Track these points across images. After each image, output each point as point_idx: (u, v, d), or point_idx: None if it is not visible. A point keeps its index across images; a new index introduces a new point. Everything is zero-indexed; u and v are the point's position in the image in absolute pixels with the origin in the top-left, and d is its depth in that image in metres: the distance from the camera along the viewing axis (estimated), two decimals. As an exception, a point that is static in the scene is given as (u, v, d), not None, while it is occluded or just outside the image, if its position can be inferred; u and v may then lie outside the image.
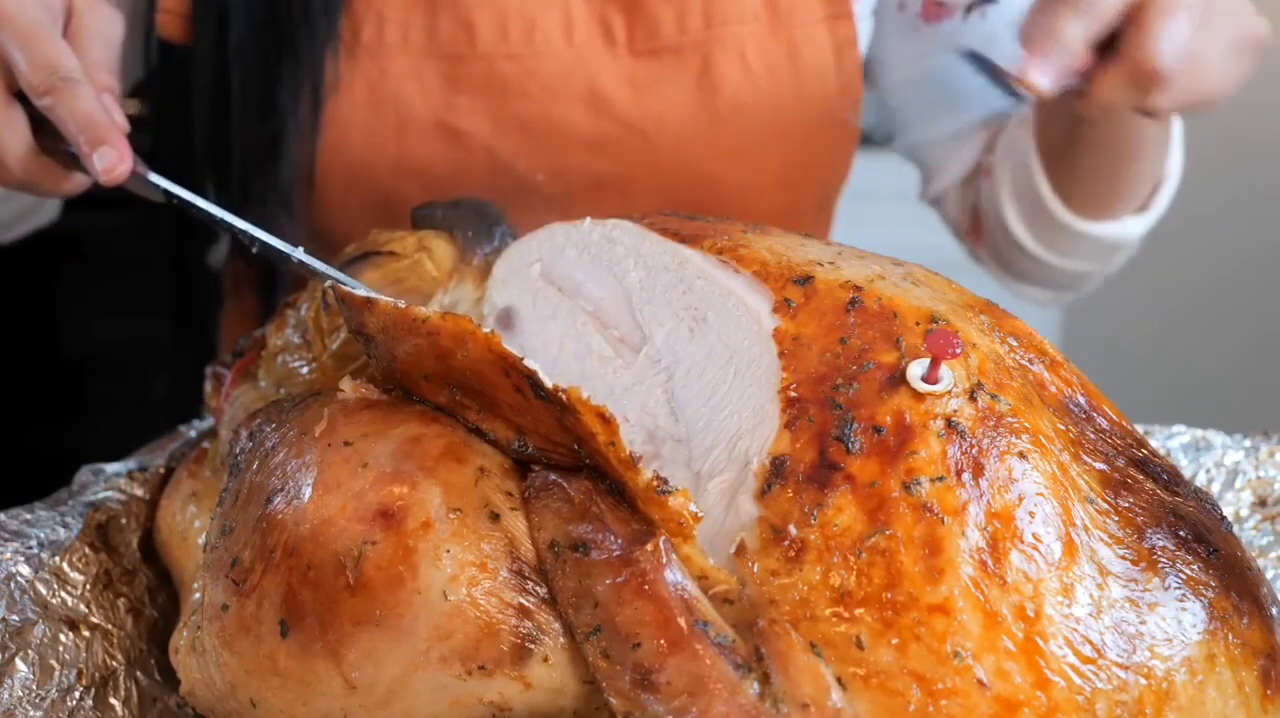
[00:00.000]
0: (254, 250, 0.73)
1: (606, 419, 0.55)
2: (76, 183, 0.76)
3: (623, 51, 0.98)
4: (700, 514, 0.56)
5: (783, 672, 0.52)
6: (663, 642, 0.53)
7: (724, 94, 0.98)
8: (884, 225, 2.33)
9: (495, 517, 0.57)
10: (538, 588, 0.56)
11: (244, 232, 0.72)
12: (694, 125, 0.98)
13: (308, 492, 0.57)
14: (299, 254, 0.71)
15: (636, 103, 0.98)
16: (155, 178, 0.73)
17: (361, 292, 0.69)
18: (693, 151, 0.98)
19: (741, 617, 0.54)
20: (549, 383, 0.56)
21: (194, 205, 0.73)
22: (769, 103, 0.99)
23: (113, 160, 0.69)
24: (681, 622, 0.53)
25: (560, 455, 0.58)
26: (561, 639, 0.56)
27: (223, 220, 0.72)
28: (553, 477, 0.58)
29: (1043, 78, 0.67)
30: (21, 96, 0.71)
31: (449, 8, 0.97)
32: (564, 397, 0.56)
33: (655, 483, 0.55)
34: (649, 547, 0.54)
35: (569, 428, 0.56)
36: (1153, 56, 0.67)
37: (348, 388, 0.62)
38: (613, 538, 0.55)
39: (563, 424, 0.57)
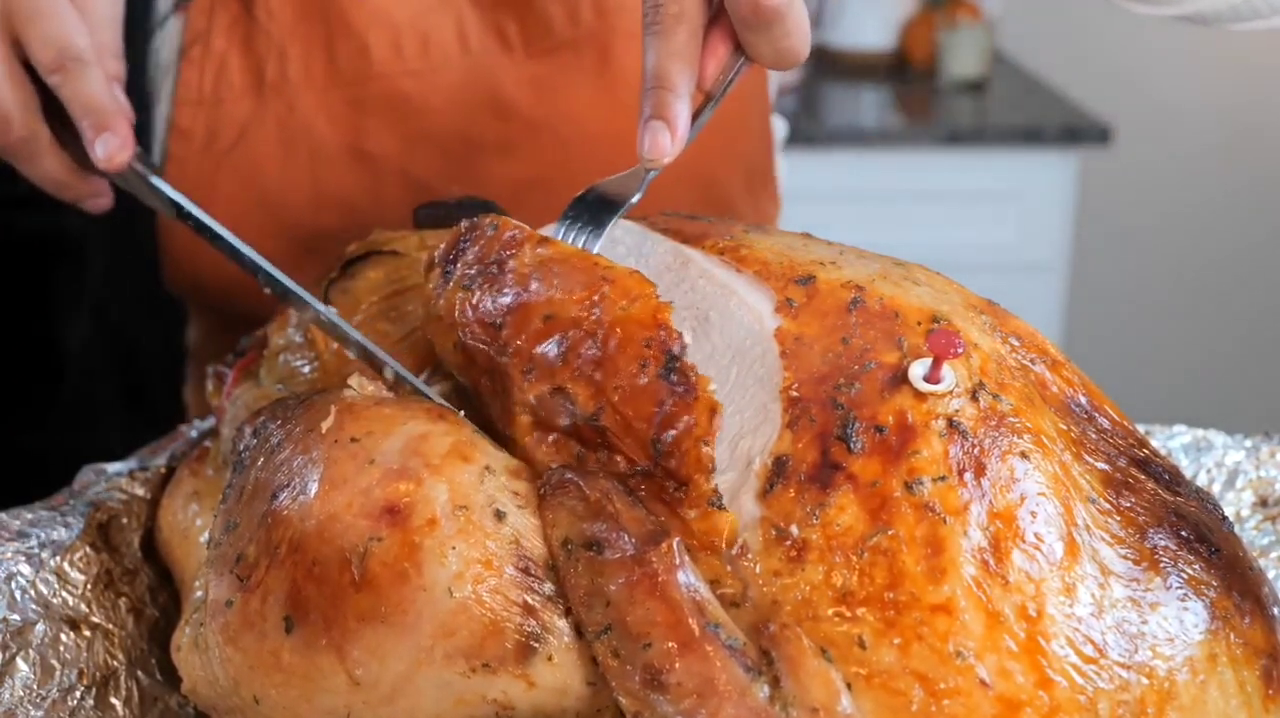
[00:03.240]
0: (262, 285, 0.71)
1: (713, 417, 0.56)
2: (94, 187, 0.75)
3: (520, 54, 0.96)
4: (738, 542, 0.55)
5: (793, 676, 0.52)
6: (673, 643, 0.53)
7: (625, 82, 0.96)
8: (884, 225, 2.34)
9: (501, 515, 0.57)
10: (543, 587, 0.56)
11: (253, 263, 0.70)
12: (600, 118, 0.97)
13: (313, 488, 0.57)
14: (306, 295, 0.70)
15: (541, 103, 0.96)
16: (157, 181, 0.72)
17: (322, 309, 0.69)
18: (604, 145, 0.96)
19: (749, 620, 0.54)
20: (690, 362, 0.57)
21: (199, 222, 0.71)
22: None
23: (114, 147, 0.68)
24: (693, 623, 0.53)
25: (622, 442, 0.58)
26: (566, 639, 0.56)
27: (233, 248, 0.71)
28: (569, 474, 0.58)
29: None
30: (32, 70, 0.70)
31: (344, 34, 0.95)
32: (694, 378, 0.56)
33: (713, 494, 0.56)
34: (662, 547, 0.54)
35: (666, 415, 0.56)
36: None
37: (355, 384, 0.62)
38: (626, 538, 0.55)
39: (661, 410, 0.57)
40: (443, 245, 0.65)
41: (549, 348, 0.60)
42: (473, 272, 0.63)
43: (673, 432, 0.56)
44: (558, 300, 0.60)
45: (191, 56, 0.94)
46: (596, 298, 0.60)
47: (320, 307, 0.70)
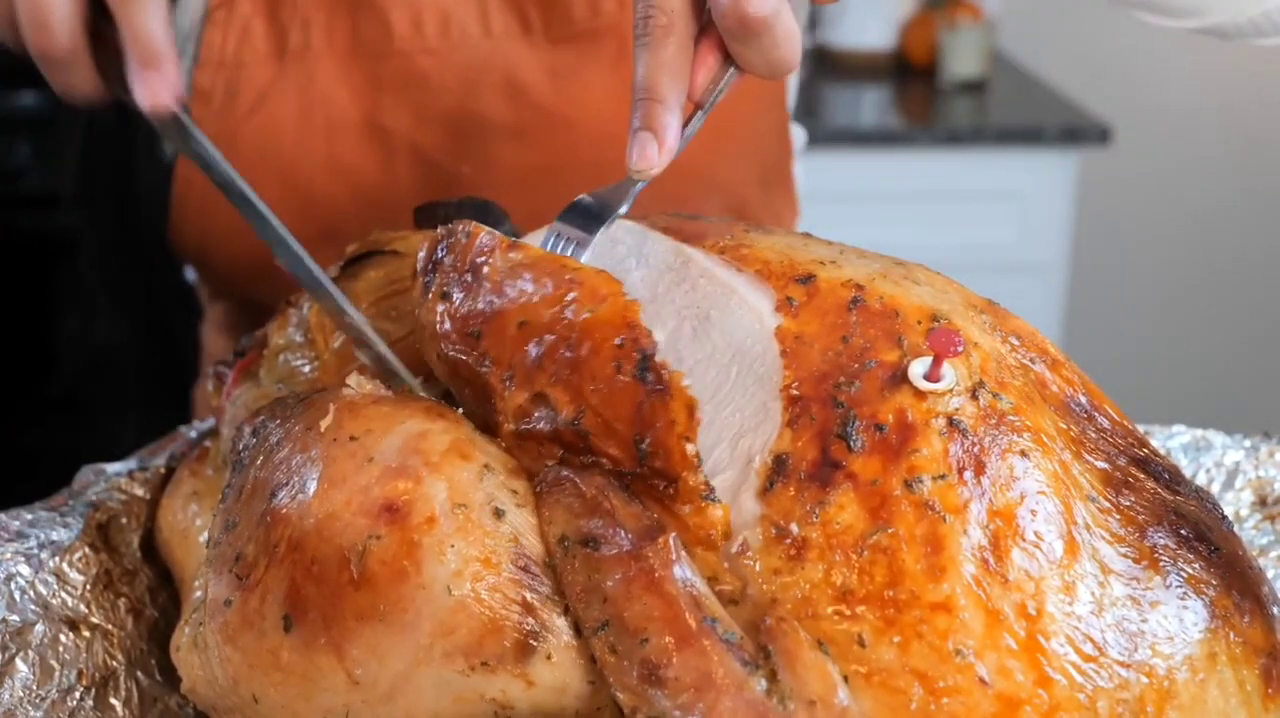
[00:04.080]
0: (276, 258, 0.68)
1: (692, 413, 0.56)
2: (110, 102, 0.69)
3: (540, 40, 0.97)
4: (732, 534, 0.55)
5: (790, 669, 0.52)
6: (670, 638, 0.53)
7: None
8: (884, 225, 2.34)
9: (499, 513, 0.57)
10: (542, 585, 0.56)
11: (278, 236, 0.67)
12: (615, 109, 0.97)
13: (312, 486, 0.57)
14: (320, 274, 0.67)
15: (556, 90, 0.97)
16: (190, 127, 0.66)
17: (345, 303, 0.68)
18: (616, 135, 0.96)
19: (748, 617, 0.54)
20: (660, 360, 0.57)
21: (225, 177, 0.67)
22: None
23: (160, 88, 0.64)
24: (689, 618, 0.53)
25: (606, 444, 0.58)
26: (565, 638, 0.56)
27: (255, 213, 0.67)
28: (565, 472, 0.58)
29: None
30: None
31: (368, 7, 0.96)
32: (667, 376, 0.56)
33: (704, 488, 0.56)
34: (659, 542, 0.54)
35: (645, 414, 0.57)
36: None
37: (354, 383, 0.62)
38: (623, 533, 0.55)
39: (639, 410, 0.57)
40: (422, 254, 0.66)
41: (525, 354, 0.60)
42: (450, 280, 0.63)
43: (653, 431, 0.56)
44: (530, 306, 0.61)
45: (216, 19, 0.95)
46: (567, 300, 0.60)
47: (338, 293, 0.68)
